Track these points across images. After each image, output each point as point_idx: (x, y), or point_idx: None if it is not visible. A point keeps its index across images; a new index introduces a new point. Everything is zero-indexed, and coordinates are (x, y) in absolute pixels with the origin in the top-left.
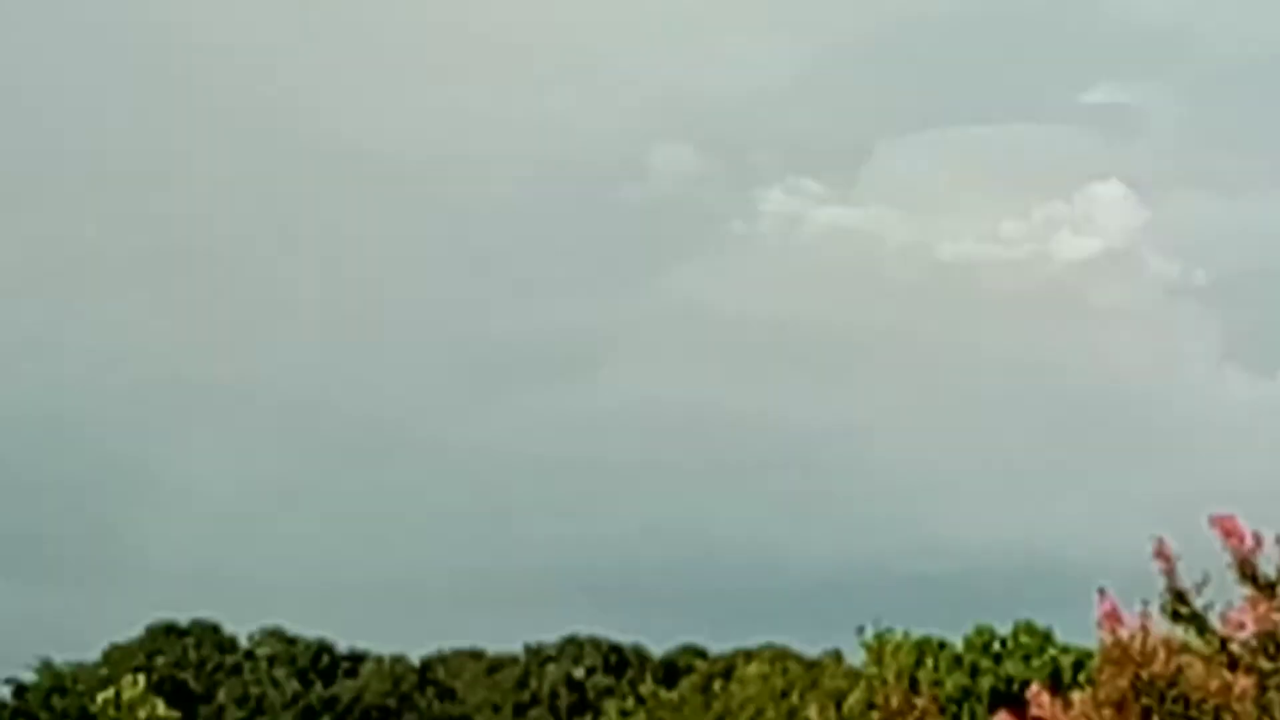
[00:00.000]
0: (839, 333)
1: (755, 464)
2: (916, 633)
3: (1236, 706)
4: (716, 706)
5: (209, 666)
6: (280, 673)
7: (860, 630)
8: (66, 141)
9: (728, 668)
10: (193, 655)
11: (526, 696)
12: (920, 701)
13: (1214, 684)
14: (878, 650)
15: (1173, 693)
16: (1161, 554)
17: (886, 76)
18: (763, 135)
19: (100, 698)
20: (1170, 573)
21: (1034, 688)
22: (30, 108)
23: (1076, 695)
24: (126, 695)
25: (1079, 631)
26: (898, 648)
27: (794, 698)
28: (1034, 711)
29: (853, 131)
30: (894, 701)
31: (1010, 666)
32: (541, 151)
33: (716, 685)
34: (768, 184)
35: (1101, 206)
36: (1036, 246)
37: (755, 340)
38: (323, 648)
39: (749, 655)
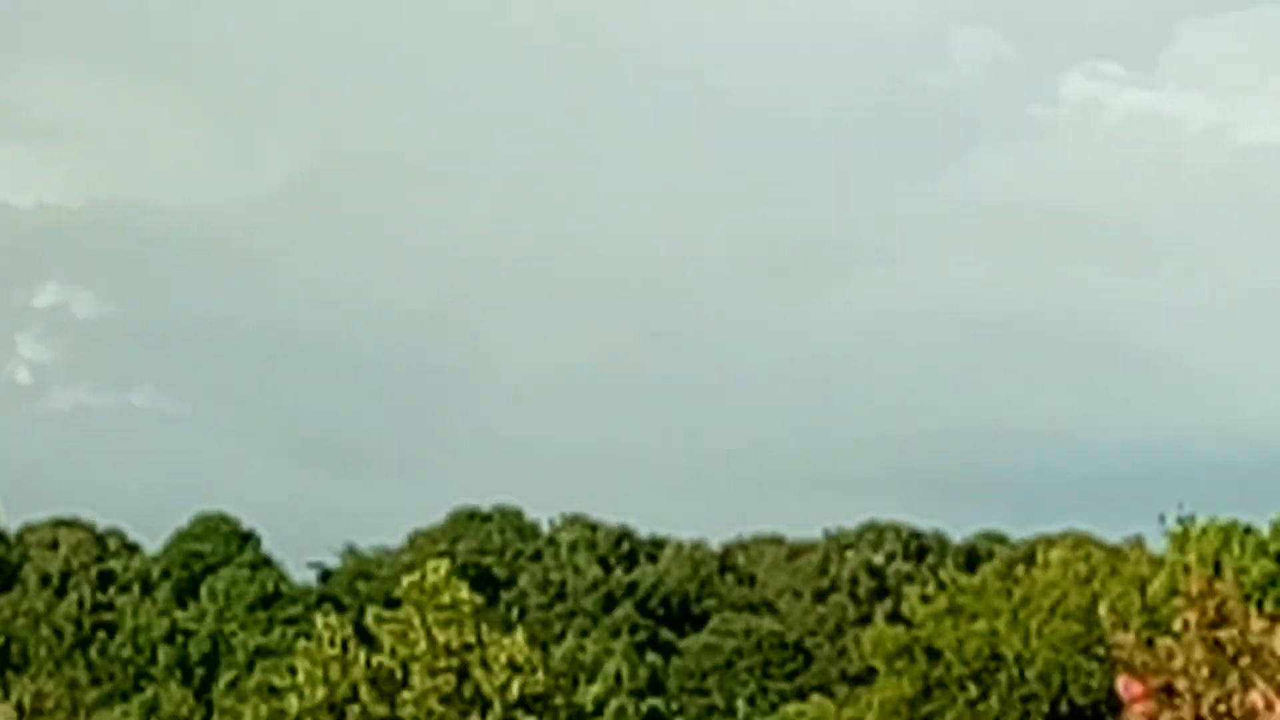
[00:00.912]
0: (1140, 219)
1: (1056, 351)
2: (1221, 519)
3: None
4: (1018, 593)
5: (511, 552)
6: (581, 558)
7: (1162, 517)
8: None
9: (1029, 554)
10: (495, 540)
11: (826, 583)
12: (1224, 588)
13: None
14: (1181, 536)
15: None
16: None
17: None
18: (1063, 18)
19: (405, 581)
20: None
21: None
22: None
23: None
24: (430, 580)
25: None
26: (1202, 534)
27: (1096, 584)
28: None
29: (1155, 12)
30: (1197, 588)
31: None
32: (842, 39)
33: (1018, 571)
34: (1068, 68)
35: None
36: None
37: (1056, 227)
38: (624, 534)
39: (1050, 541)
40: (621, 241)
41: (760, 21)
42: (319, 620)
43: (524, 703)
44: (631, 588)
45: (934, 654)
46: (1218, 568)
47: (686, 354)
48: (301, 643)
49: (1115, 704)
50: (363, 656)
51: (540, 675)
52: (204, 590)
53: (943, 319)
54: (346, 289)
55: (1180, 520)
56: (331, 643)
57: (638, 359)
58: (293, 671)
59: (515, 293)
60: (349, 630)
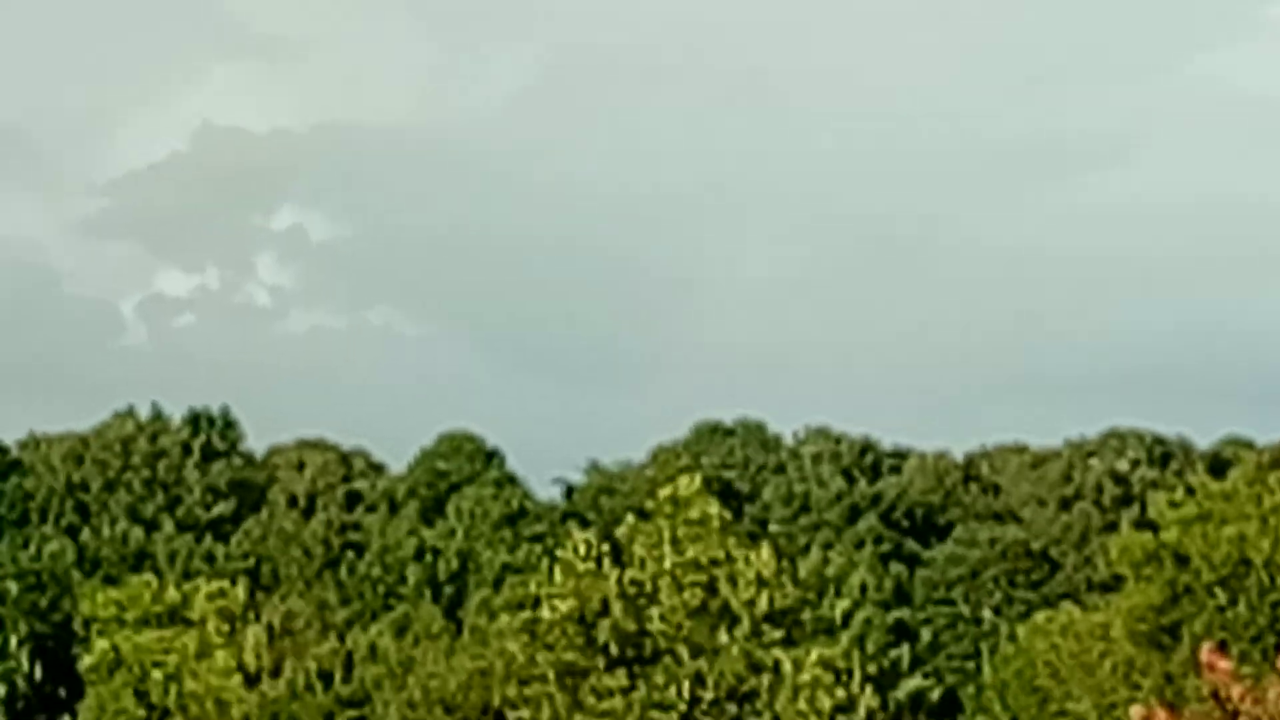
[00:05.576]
0: None
1: None
2: None
3: None
4: (1268, 500)
5: (754, 465)
6: (825, 470)
7: None
8: None
9: (1276, 458)
10: (739, 454)
11: (1070, 491)
12: None
13: None
14: None
15: None
16: None
17: None
18: None
19: (661, 494)
20: None
21: None
22: None
23: None
24: (681, 494)
25: None
26: None
27: None
28: None
29: None
30: None
31: None
32: None
33: (1272, 479)
34: None
35: None
36: None
37: None
38: (867, 445)
39: None
40: (842, 141)
41: None
42: (573, 535)
43: (771, 617)
44: (875, 499)
45: (1182, 560)
46: None
47: (915, 260)
48: (561, 551)
49: None
50: (614, 572)
51: (787, 589)
52: (450, 509)
53: (1178, 218)
54: (582, 199)
55: None
56: (585, 557)
57: (868, 267)
58: (550, 581)
59: (741, 196)
60: (605, 545)
